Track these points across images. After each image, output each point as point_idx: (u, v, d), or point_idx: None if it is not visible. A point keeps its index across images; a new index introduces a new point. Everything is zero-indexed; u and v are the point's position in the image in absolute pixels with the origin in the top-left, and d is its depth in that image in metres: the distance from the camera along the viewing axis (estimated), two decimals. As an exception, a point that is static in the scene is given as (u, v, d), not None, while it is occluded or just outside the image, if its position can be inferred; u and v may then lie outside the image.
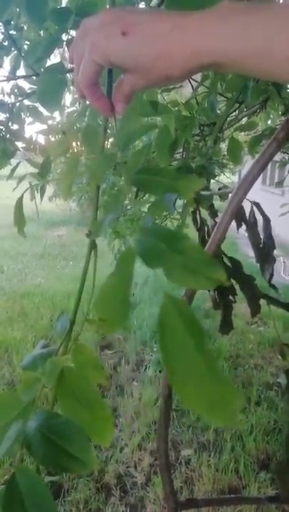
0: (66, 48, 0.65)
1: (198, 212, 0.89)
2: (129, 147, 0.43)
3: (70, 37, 0.63)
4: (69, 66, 0.65)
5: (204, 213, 0.93)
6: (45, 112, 1.95)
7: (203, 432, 2.72)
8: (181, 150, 1.59)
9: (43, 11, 0.55)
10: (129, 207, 2.90)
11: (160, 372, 3.40)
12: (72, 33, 0.64)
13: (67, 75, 0.70)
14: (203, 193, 0.89)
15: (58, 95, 0.71)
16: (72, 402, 0.47)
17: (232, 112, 1.56)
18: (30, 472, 0.33)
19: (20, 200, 0.85)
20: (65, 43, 0.63)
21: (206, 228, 0.85)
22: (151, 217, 1.24)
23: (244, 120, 1.34)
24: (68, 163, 0.60)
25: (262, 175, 0.53)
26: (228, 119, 1.57)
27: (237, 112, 1.39)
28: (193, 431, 2.72)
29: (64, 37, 0.64)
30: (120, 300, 0.38)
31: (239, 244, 6.81)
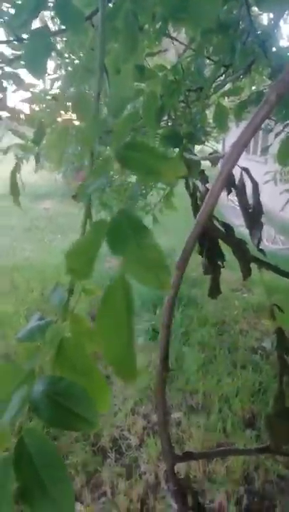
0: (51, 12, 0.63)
1: (190, 178, 0.89)
2: (121, 113, 0.43)
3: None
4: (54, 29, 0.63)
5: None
6: (27, 80, 1.88)
7: (192, 396, 2.82)
8: (166, 117, 1.57)
9: None
10: (115, 177, 2.86)
11: (150, 340, 3.48)
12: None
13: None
14: (195, 158, 0.88)
15: (45, 60, 0.68)
16: (70, 371, 0.48)
17: (219, 77, 1.53)
18: (37, 433, 0.34)
19: (15, 170, 0.84)
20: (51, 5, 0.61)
21: (198, 194, 0.85)
22: (138, 187, 1.23)
23: (229, 86, 1.31)
24: (58, 132, 0.59)
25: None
26: (213, 84, 1.54)
27: (223, 76, 1.36)
28: (183, 395, 2.82)
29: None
30: (88, 256, 0.41)
31: (224, 213, 6.83)
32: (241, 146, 0.46)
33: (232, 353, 3.40)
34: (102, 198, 3.10)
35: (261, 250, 0.82)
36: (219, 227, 0.74)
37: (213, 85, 1.47)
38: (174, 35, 1.57)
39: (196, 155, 1.15)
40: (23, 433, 0.34)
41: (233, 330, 3.80)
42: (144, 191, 3.02)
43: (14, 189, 0.84)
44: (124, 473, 2.17)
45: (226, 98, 1.55)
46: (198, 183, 0.85)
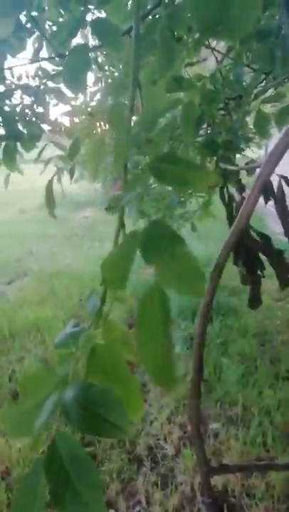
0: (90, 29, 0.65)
1: (226, 188, 0.88)
2: (154, 126, 0.44)
3: (94, 17, 0.63)
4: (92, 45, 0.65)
5: (232, 188, 0.93)
6: (68, 93, 1.95)
7: (231, 407, 2.76)
8: (205, 125, 1.57)
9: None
10: (154, 185, 2.88)
11: (187, 349, 3.44)
12: (96, 13, 0.64)
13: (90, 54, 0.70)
14: (230, 167, 0.88)
15: (84, 76, 0.71)
16: (103, 378, 0.49)
17: (259, 83, 1.51)
18: (69, 437, 0.35)
19: (50, 183, 0.87)
20: (88, 23, 0.63)
21: (233, 204, 0.84)
22: (176, 196, 1.24)
23: (270, 91, 1.29)
24: (94, 144, 0.61)
25: None
26: (254, 90, 1.52)
27: (264, 83, 1.34)
28: (222, 405, 2.76)
29: (88, 17, 0.64)
30: (123, 268, 0.42)
31: (267, 220, 6.67)
32: (277, 156, 0.45)
33: (274, 364, 3.29)
34: (141, 206, 3.13)
35: (301, 260, 0.79)
36: (256, 237, 0.73)
37: (254, 92, 1.46)
38: (213, 43, 1.58)
39: (236, 164, 1.14)
40: (55, 437, 0.35)
41: (276, 341, 3.68)
42: (182, 199, 3.02)
43: (50, 202, 0.87)
44: (160, 483, 2.15)
45: (268, 104, 1.53)
46: (235, 192, 0.84)
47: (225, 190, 0.88)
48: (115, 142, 0.47)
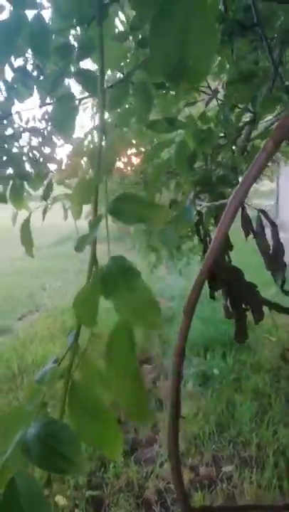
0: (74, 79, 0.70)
1: (201, 223, 0.90)
2: (112, 166, 0.47)
3: (77, 68, 0.68)
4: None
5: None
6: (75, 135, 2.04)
7: (245, 447, 2.64)
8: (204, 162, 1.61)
9: (46, 48, 0.59)
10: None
11: (200, 386, 3.36)
12: (80, 64, 0.69)
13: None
14: (206, 204, 0.90)
15: (71, 122, 0.75)
16: (81, 414, 0.49)
17: (255, 122, 1.56)
18: (29, 476, 0.35)
19: (27, 222, 0.90)
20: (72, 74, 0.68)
21: (208, 239, 0.86)
22: (172, 231, 1.26)
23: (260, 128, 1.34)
24: (79, 184, 0.64)
25: None
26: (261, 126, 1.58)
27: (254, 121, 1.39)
28: (234, 446, 2.65)
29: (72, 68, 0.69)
30: (91, 304, 0.43)
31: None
32: (242, 193, 0.47)
33: (289, 402, 3.17)
34: (150, 241, 3.17)
35: (286, 292, 0.79)
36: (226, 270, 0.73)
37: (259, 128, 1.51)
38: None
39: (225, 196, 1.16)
40: (15, 475, 0.35)
41: (291, 376, 3.56)
42: (190, 234, 3.04)
43: (27, 241, 0.90)
44: (170, 531, 2.04)
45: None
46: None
47: (200, 226, 0.90)
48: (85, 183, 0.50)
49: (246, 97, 1.07)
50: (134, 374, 0.42)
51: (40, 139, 2.20)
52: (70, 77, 0.70)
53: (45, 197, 1.30)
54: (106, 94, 0.60)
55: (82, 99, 0.89)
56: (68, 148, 2.14)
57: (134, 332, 0.41)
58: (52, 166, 2.17)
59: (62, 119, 0.72)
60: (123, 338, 0.41)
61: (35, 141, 2.18)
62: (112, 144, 0.47)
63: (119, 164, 2.39)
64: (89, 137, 1.47)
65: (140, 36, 0.81)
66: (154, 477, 2.37)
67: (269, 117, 1.64)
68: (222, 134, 1.33)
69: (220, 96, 1.43)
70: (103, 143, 0.44)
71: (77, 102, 0.73)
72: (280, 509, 0.82)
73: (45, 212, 1.17)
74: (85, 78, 0.68)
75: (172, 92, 1.23)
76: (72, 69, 0.68)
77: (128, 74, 0.74)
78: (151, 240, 3.12)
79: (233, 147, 1.28)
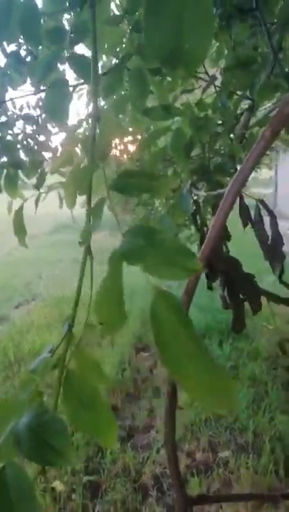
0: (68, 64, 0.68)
1: (198, 213, 0.89)
2: (104, 154, 0.46)
3: (70, 53, 0.66)
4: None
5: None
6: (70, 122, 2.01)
7: (242, 434, 2.68)
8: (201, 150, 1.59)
9: (37, 32, 0.58)
10: (160, 209, 2.92)
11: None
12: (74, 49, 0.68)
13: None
14: (201, 193, 0.89)
15: (65, 108, 0.74)
16: (76, 404, 0.49)
17: (254, 109, 1.54)
18: (18, 467, 0.35)
19: (19, 210, 0.89)
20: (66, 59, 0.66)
21: (205, 229, 0.85)
22: (168, 219, 1.25)
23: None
24: (73, 172, 0.63)
25: None
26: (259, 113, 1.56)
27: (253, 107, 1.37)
28: (231, 432, 2.69)
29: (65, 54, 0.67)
30: (115, 302, 0.41)
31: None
32: (240, 182, 0.46)
33: (286, 389, 3.20)
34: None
35: (284, 283, 0.78)
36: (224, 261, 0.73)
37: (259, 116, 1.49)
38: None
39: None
40: (5, 465, 0.34)
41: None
42: (187, 222, 3.03)
43: (20, 230, 0.89)
44: (166, 515, 2.07)
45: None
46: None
47: (197, 215, 0.89)
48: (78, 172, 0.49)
49: (244, 83, 1.06)
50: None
51: (35, 127, 2.17)
52: (64, 62, 0.68)
53: (38, 186, 1.29)
54: (100, 80, 0.59)
55: (77, 85, 0.88)
56: (63, 136, 2.11)
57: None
58: (47, 154, 2.15)
59: (55, 105, 0.71)
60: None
61: (29, 129, 2.15)
62: (106, 132, 0.46)
63: (115, 152, 2.37)
64: (84, 124, 1.44)
65: (135, 20, 0.79)
66: (150, 463, 2.40)
67: (268, 104, 1.62)
68: (220, 122, 1.31)
69: (217, 82, 1.42)
70: (97, 130, 0.43)
71: (71, 88, 0.71)
72: (276, 497, 0.83)
73: (37, 201, 1.16)
74: (79, 64, 0.67)
75: (169, 79, 1.21)
76: (67, 54, 0.66)
77: (122, 59, 0.73)
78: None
79: (231, 135, 1.27)
